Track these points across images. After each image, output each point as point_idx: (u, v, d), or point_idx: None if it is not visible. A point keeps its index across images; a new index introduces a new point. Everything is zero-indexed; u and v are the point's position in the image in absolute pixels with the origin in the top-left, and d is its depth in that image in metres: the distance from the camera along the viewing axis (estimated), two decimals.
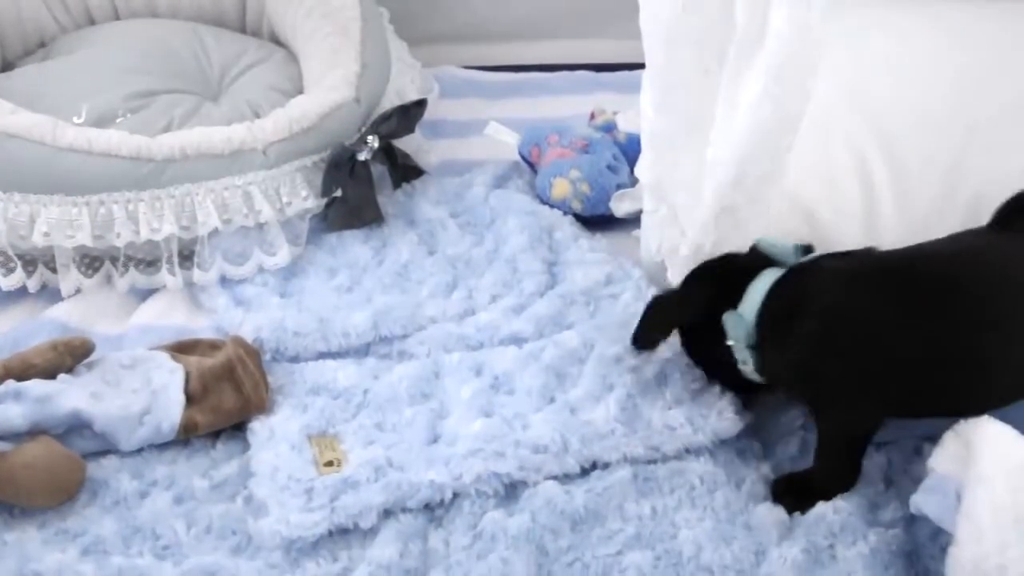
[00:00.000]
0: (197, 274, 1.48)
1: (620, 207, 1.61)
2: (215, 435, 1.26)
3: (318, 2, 1.78)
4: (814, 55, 1.23)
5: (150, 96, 1.64)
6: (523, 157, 1.72)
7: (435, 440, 1.23)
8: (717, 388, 1.26)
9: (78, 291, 1.48)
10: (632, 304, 1.40)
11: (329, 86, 1.62)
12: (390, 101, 1.70)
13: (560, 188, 1.62)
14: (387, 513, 1.13)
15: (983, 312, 1.11)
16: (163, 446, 1.23)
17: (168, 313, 1.46)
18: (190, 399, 1.25)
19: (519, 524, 1.11)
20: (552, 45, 2.10)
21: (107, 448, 1.22)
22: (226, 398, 1.25)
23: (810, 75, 1.24)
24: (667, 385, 1.27)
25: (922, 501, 1.05)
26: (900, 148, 1.37)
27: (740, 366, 1.22)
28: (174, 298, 1.48)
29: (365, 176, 1.58)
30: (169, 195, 1.46)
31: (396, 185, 1.66)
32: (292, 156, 1.53)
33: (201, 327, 1.43)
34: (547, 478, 1.16)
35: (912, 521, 1.10)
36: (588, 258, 1.52)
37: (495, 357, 1.33)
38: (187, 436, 1.24)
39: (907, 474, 1.19)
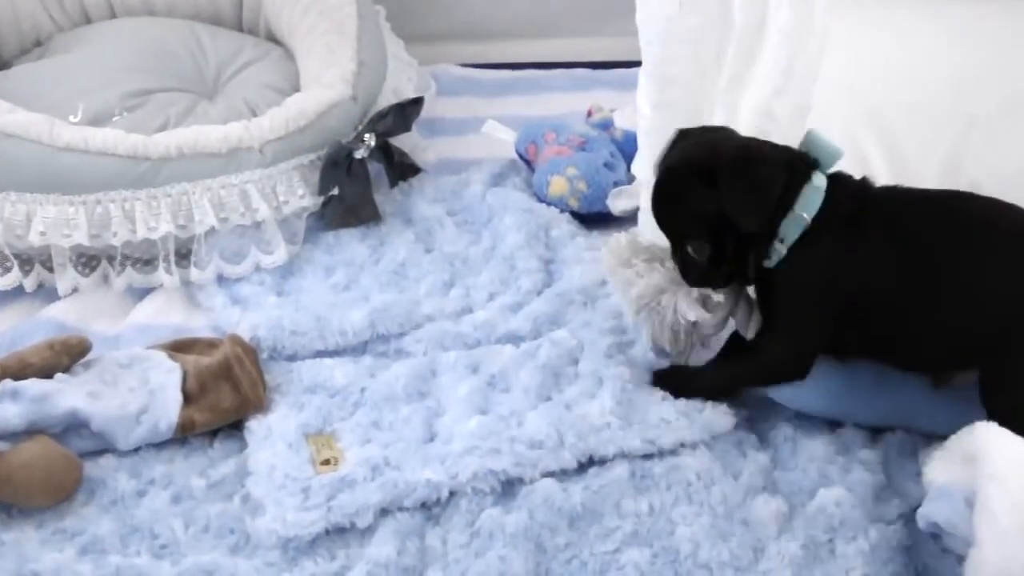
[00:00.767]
0: (194, 273, 1.48)
1: (617, 204, 1.61)
2: (212, 434, 1.26)
3: (314, 1, 1.78)
4: (819, 48, 1.23)
5: (146, 95, 1.64)
6: (520, 155, 1.72)
7: (432, 438, 1.23)
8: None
9: (75, 290, 1.48)
10: None
11: (326, 84, 1.62)
12: (387, 99, 1.70)
13: (557, 186, 1.62)
14: (384, 512, 1.13)
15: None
16: (161, 445, 1.23)
17: (165, 312, 1.46)
18: (187, 398, 1.24)
19: (517, 522, 1.11)
20: (549, 43, 2.10)
21: (104, 447, 1.22)
22: (223, 397, 1.25)
23: (816, 67, 1.24)
24: None
25: (931, 512, 1.05)
26: (898, 142, 1.37)
27: (771, 252, 1.19)
28: (171, 297, 1.48)
29: (362, 174, 1.58)
30: (166, 194, 1.46)
31: (393, 183, 1.66)
32: (289, 154, 1.53)
33: (198, 326, 1.43)
34: (544, 475, 1.17)
35: (912, 517, 1.11)
36: (585, 256, 1.52)
37: (492, 355, 1.33)
38: (184, 435, 1.24)
39: (905, 470, 1.19)
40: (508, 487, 1.16)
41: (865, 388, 1.24)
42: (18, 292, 1.48)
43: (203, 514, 1.16)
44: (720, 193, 1.15)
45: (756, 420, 1.27)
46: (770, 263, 1.20)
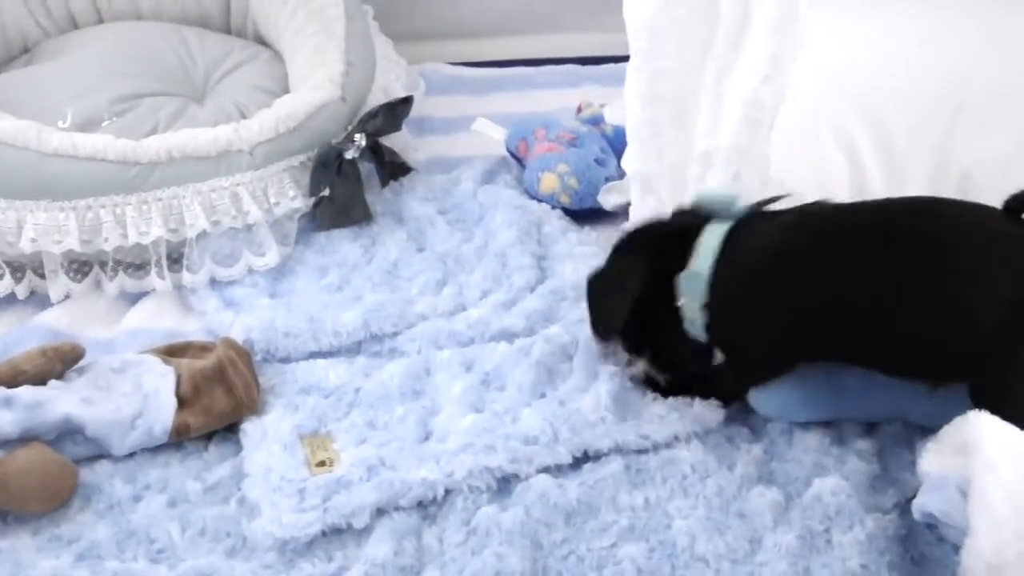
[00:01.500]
0: (186, 276, 1.48)
1: (608, 200, 1.61)
2: (207, 437, 1.26)
3: (302, 1, 1.77)
4: (801, 33, 1.23)
5: (135, 99, 1.64)
6: (510, 152, 1.72)
7: (427, 437, 1.23)
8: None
9: (67, 296, 1.48)
10: None
11: (315, 85, 1.62)
12: (376, 99, 1.70)
13: (548, 182, 1.62)
14: (380, 511, 1.13)
15: (903, 263, 1.10)
16: (155, 449, 1.23)
17: (158, 316, 1.45)
18: (182, 402, 1.24)
19: (513, 518, 1.11)
20: (537, 40, 2.09)
21: (99, 453, 1.22)
22: (218, 400, 1.25)
23: (798, 52, 1.24)
24: None
25: (925, 503, 1.05)
26: (888, 130, 1.37)
27: (687, 327, 1.20)
28: (164, 301, 1.48)
29: (353, 175, 1.58)
30: (156, 198, 1.46)
31: (384, 183, 1.66)
32: (279, 156, 1.53)
33: (191, 329, 1.42)
34: (539, 471, 1.17)
35: (908, 507, 1.11)
36: (577, 252, 1.51)
37: (486, 353, 1.33)
38: (179, 439, 1.24)
39: (901, 459, 1.19)
40: (504, 484, 1.16)
41: (853, 390, 1.23)
42: (10, 299, 1.48)
43: (199, 518, 1.15)
44: None
45: (750, 411, 1.27)
46: (694, 326, 1.19)
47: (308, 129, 1.56)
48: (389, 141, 1.65)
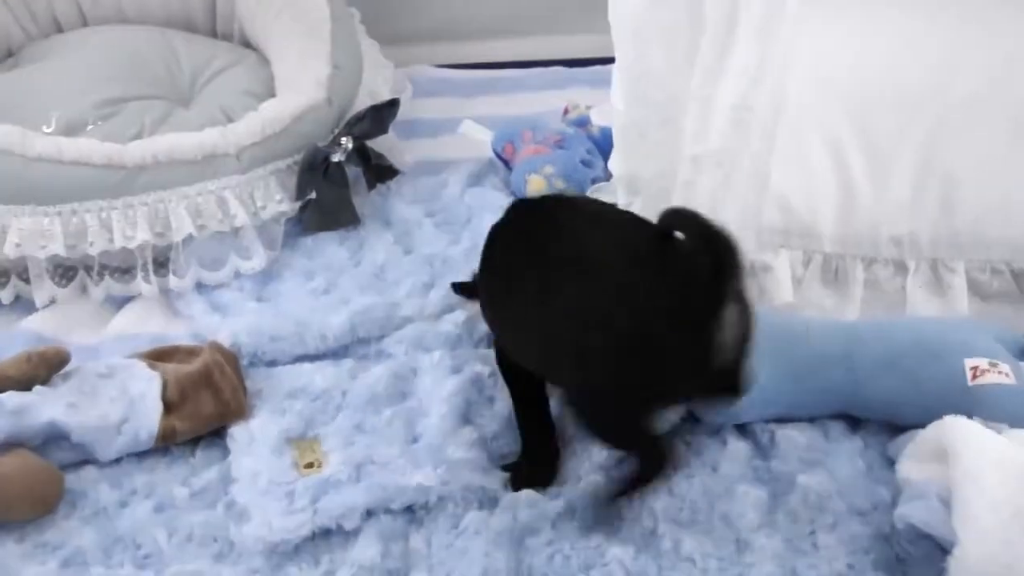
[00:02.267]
0: (173, 281, 1.47)
1: None
2: (194, 442, 1.25)
3: (287, 4, 1.77)
4: (788, 36, 1.23)
5: (120, 103, 1.63)
6: (497, 154, 1.72)
7: (415, 440, 1.23)
8: None
9: (52, 301, 1.47)
10: None
11: (301, 88, 1.61)
12: (363, 102, 1.70)
13: (535, 184, 1.62)
14: (368, 514, 1.13)
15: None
16: (142, 455, 1.23)
17: (144, 321, 1.45)
18: (168, 407, 1.24)
19: (500, 522, 1.12)
20: (524, 42, 2.09)
21: (85, 458, 1.22)
22: (204, 404, 1.25)
23: (786, 53, 1.24)
24: None
25: (907, 512, 1.05)
26: (874, 131, 1.38)
27: None
28: (150, 305, 1.47)
29: (339, 178, 1.57)
30: (142, 202, 1.45)
31: (371, 186, 1.65)
32: (265, 160, 1.53)
33: (178, 334, 1.42)
34: None
35: (890, 504, 1.11)
36: None
37: (473, 355, 1.33)
38: (166, 444, 1.23)
39: (885, 458, 1.20)
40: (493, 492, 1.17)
41: (790, 383, 1.22)
42: None
43: (186, 523, 1.15)
44: None
45: None
46: None
47: (294, 132, 1.56)
48: (376, 144, 1.65)
